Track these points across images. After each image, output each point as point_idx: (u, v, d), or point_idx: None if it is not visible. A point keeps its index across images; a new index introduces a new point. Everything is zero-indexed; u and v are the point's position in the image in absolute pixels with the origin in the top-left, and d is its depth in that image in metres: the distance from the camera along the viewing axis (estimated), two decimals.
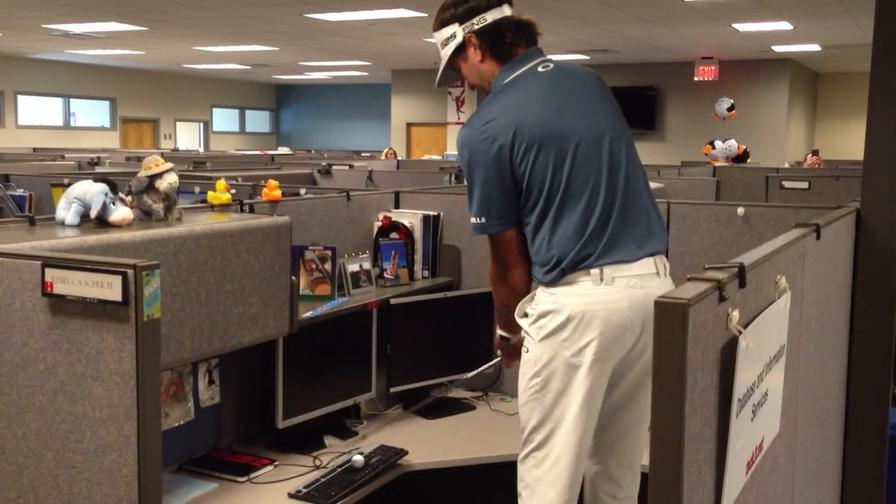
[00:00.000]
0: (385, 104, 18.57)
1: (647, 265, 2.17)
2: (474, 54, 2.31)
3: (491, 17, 2.29)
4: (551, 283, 2.17)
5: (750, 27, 10.84)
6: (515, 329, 2.32)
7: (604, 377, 2.16)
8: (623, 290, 2.13)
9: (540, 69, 2.28)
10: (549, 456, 2.16)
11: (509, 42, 2.29)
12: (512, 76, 2.27)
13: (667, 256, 2.45)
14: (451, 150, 14.34)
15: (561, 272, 2.14)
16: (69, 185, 3.99)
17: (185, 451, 2.51)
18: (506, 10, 2.31)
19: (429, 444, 2.86)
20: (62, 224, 2.10)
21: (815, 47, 12.73)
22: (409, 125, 17.91)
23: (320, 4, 9.43)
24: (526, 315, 2.23)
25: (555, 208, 2.16)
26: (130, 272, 1.48)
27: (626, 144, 2.28)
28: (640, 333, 2.14)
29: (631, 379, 2.22)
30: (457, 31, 2.31)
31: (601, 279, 2.12)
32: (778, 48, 12.99)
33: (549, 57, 2.34)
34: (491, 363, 2.84)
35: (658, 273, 2.19)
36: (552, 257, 2.16)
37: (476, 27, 2.29)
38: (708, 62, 14.38)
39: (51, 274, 1.54)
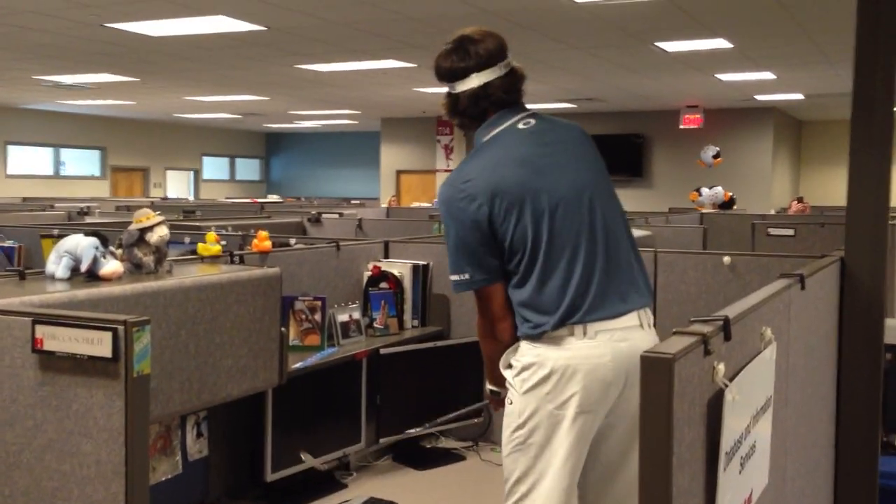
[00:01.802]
0: (374, 152, 18.72)
1: (630, 319, 2.17)
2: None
3: (460, 87, 2.29)
4: (535, 338, 2.17)
5: (733, 77, 11.04)
6: (504, 383, 2.32)
7: (589, 431, 2.15)
8: (606, 343, 2.13)
9: (521, 126, 2.28)
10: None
11: (474, 111, 2.29)
12: (493, 133, 2.27)
13: (655, 304, 2.46)
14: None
15: (544, 331, 2.14)
16: (59, 236, 4.01)
17: None
18: (472, 82, 2.26)
19: (419, 495, 2.83)
20: (52, 278, 2.10)
21: (798, 96, 12.96)
22: (398, 172, 18.02)
23: (310, 56, 9.56)
24: (510, 366, 2.24)
25: (538, 268, 2.16)
26: (121, 328, 1.49)
27: (607, 199, 2.27)
28: (623, 386, 2.14)
29: (621, 434, 2.21)
30: (445, 87, 2.35)
31: (584, 334, 2.13)
32: (761, 97, 13.20)
33: (532, 110, 2.33)
34: (471, 409, 2.78)
35: (642, 325, 2.19)
36: (536, 316, 2.16)
37: (448, 93, 2.33)
38: (693, 111, 14.60)
39: (41, 330, 1.54)
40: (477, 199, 2.17)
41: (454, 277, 2.23)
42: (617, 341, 2.14)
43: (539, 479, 2.14)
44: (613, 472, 2.23)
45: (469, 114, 2.30)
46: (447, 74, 2.30)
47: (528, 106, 2.37)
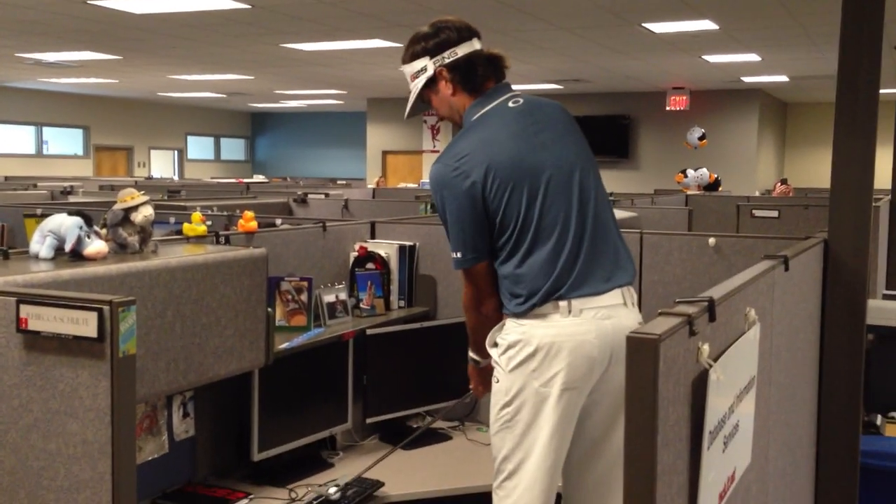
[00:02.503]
0: (361, 132, 18.63)
1: (614, 297, 2.20)
2: (445, 87, 2.33)
3: (462, 50, 2.31)
4: (520, 315, 2.19)
5: (720, 58, 11.04)
6: (485, 353, 2.36)
7: (574, 408, 2.17)
8: (590, 321, 2.15)
9: (510, 104, 2.30)
10: (519, 485, 2.17)
11: (481, 76, 2.32)
12: (483, 110, 2.29)
13: (640, 285, 2.48)
14: (427, 178, 14.39)
15: (531, 305, 2.17)
16: (42, 215, 3.97)
17: (159, 485, 2.49)
18: (476, 44, 2.34)
19: (405, 475, 2.85)
20: (36, 258, 2.09)
21: (784, 78, 12.98)
22: (384, 153, 17.96)
23: (295, 34, 9.48)
24: (496, 345, 2.26)
25: (527, 243, 2.19)
26: (106, 308, 1.48)
27: (594, 177, 2.31)
28: (608, 363, 2.16)
29: (605, 411, 2.23)
30: (427, 65, 2.33)
31: (569, 311, 2.15)
32: (747, 79, 13.22)
33: (517, 91, 2.36)
34: (465, 396, 2.84)
35: (625, 304, 2.22)
36: (523, 291, 2.18)
37: (447, 61, 2.31)
38: (679, 92, 14.59)
39: (26, 310, 1.53)
40: (471, 175, 2.19)
41: (454, 255, 2.26)
42: (601, 319, 2.16)
43: (525, 457, 2.16)
44: (596, 449, 2.25)
45: (478, 76, 2.31)
46: (434, 48, 2.31)
47: (514, 87, 2.39)
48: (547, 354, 2.13)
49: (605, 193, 2.34)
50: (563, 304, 2.16)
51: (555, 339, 2.13)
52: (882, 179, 3.76)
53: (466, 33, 2.33)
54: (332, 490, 2.54)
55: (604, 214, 2.28)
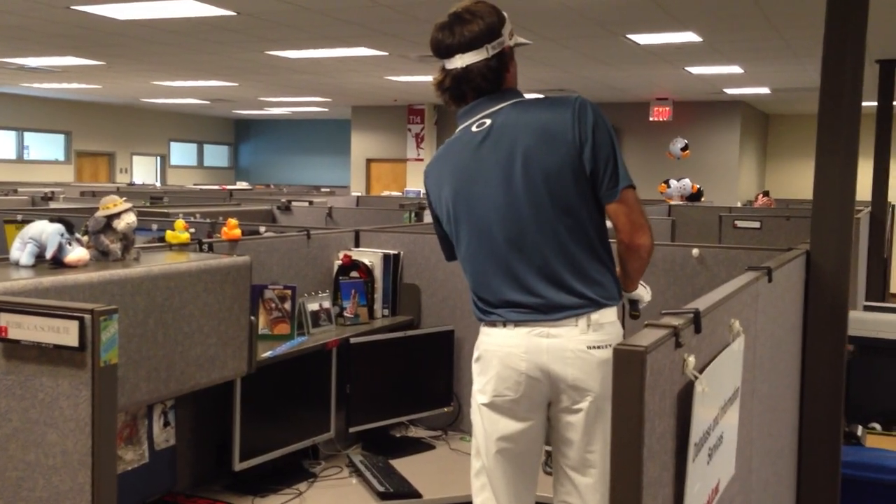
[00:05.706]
0: (345, 140, 18.60)
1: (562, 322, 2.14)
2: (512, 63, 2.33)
3: (448, 65, 2.26)
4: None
5: (703, 70, 11.12)
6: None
7: (505, 422, 2.16)
8: (524, 336, 2.12)
9: (474, 128, 2.24)
10: (477, 479, 2.25)
11: (455, 92, 2.30)
12: (457, 130, 2.33)
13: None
14: (411, 186, 14.38)
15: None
16: (22, 221, 3.93)
17: (139, 496, 2.46)
18: (456, 63, 2.23)
19: None
20: (16, 265, 2.07)
21: (765, 90, 13.09)
22: (368, 161, 17.95)
23: (280, 42, 9.47)
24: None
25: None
26: (87, 317, 1.46)
27: (534, 210, 2.15)
28: (546, 381, 2.12)
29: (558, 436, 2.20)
30: (506, 35, 2.28)
31: (504, 325, 2.17)
32: (729, 90, 13.32)
33: (506, 101, 2.26)
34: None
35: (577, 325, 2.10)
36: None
37: (443, 67, 2.28)
38: (662, 103, 14.68)
39: (6, 319, 1.51)
40: (429, 195, 2.35)
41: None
42: (539, 337, 2.11)
43: (476, 455, 2.26)
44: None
45: (451, 94, 2.28)
46: (435, 49, 2.28)
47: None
48: (484, 362, 2.24)
49: (555, 221, 2.14)
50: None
51: (488, 348, 2.26)
52: (862, 191, 3.80)
53: (446, 48, 2.24)
54: None
55: (547, 246, 2.17)
